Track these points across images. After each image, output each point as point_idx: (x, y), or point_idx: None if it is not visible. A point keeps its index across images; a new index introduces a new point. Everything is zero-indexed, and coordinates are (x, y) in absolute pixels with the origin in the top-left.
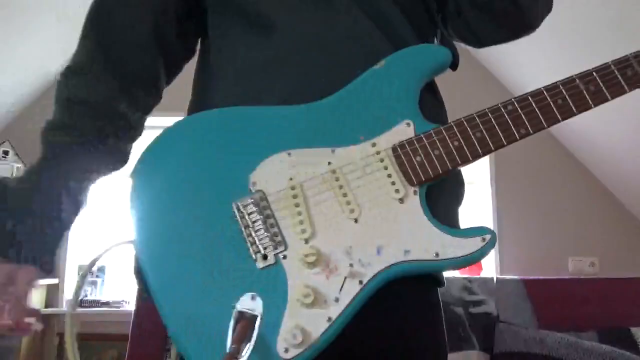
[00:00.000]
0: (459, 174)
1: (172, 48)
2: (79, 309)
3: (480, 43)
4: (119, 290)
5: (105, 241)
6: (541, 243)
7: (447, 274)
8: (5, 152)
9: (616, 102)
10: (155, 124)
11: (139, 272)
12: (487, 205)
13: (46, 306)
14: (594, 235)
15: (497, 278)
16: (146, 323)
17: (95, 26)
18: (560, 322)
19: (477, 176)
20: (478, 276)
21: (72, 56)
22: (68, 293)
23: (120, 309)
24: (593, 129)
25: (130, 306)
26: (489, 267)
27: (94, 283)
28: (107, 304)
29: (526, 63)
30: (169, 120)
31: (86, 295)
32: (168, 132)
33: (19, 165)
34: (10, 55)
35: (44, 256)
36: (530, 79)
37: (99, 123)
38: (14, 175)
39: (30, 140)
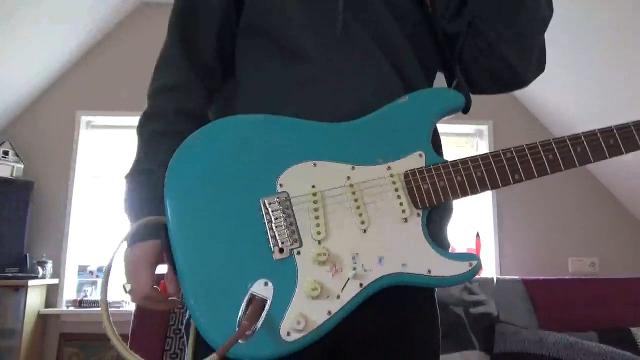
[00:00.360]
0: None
1: (229, 60)
2: (79, 309)
3: (473, 91)
4: (119, 290)
5: (104, 242)
6: (541, 243)
7: None
8: (5, 152)
9: (616, 103)
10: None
11: (169, 250)
12: (487, 205)
13: (46, 306)
14: (594, 235)
15: (497, 278)
16: (146, 323)
17: (180, 47)
18: (560, 322)
19: None
20: (478, 276)
21: (164, 75)
22: (68, 293)
23: (120, 309)
24: (593, 128)
25: (131, 306)
26: (489, 267)
27: (94, 283)
28: None
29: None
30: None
31: (86, 296)
32: (211, 126)
33: (20, 166)
34: (10, 55)
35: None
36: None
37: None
38: (13, 175)
39: (30, 140)
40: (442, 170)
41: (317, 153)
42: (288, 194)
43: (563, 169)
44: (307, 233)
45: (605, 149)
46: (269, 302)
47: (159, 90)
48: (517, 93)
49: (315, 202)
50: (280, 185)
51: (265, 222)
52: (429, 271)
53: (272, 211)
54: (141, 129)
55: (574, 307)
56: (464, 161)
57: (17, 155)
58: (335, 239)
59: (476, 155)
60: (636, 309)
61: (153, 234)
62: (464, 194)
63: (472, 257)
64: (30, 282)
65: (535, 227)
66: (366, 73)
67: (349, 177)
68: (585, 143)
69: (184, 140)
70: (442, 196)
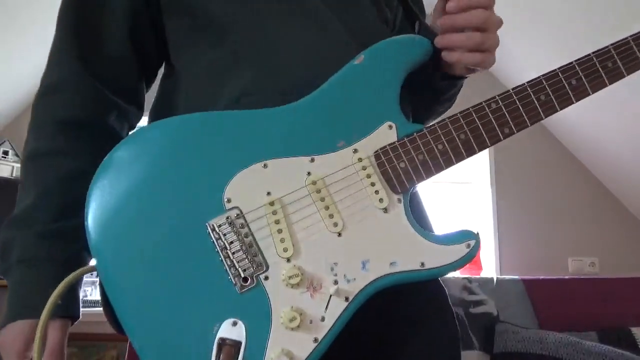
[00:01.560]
0: None
1: (148, 54)
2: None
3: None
4: None
5: None
6: (541, 243)
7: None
8: (5, 152)
9: (617, 102)
10: None
11: (107, 301)
12: (487, 205)
13: None
14: (594, 235)
15: (497, 278)
16: None
17: (71, 40)
18: (560, 322)
19: (477, 176)
20: (478, 276)
21: (47, 76)
22: None
23: None
24: (593, 129)
25: None
26: (489, 267)
27: (93, 283)
28: None
29: (519, 56)
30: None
31: (86, 296)
32: (134, 137)
33: (19, 165)
34: (10, 55)
35: (71, 300)
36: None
37: (94, 144)
38: (13, 175)
39: None
40: (419, 141)
41: (265, 150)
42: (240, 210)
43: (559, 108)
44: (272, 252)
45: (604, 76)
46: (243, 344)
47: (40, 95)
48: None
49: (274, 212)
50: (228, 200)
51: (218, 250)
52: (423, 264)
53: (224, 235)
54: (23, 155)
55: (574, 307)
56: (442, 125)
57: (17, 155)
58: (306, 252)
59: (456, 114)
60: (636, 309)
61: (24, 311)
62: (449, 164)
63: (468, 236)
64: None
65: (535, 227)
66: (314, 39)
67: (309, 173)
68: (580, 73)
69: (69, 163)
70: (423, 173)
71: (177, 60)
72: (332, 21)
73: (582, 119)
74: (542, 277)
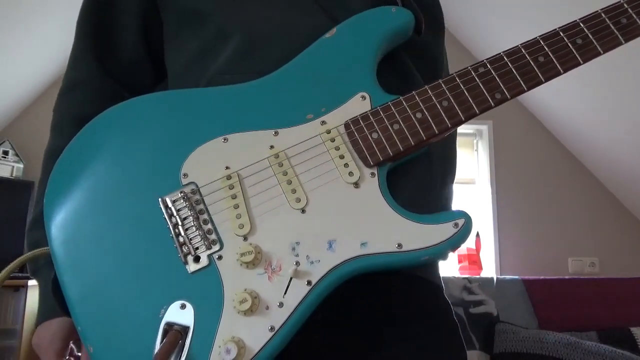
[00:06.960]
0: (447, 146)
1: (158, 51)
2: None
3: None
4: None
5: None
6: (541, 243)
7: (445, 273)
8: (5, 152)
9: (616, 102)
10: None
11: (56, 283)
12: (487, 205)
13: None
14: (594, 235)
15: (497, 278)
16: None
17: (89, 43)
18: (560, 322)
19: (477, 176)
20: (478, 276)
21: (67, 75)
22: None
23: None
24: (593, 129)
25: None
26: (489, 267)
27: None
28: None
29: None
30: None
31: None
32: (97, 119)
33: (20, 165)
34: (10, 55)
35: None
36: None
37: None
38: (13, 175)
39: (30, 140)
40: (393, 110)
41: (227, 125)
42: (196, 185)
43: (562, 71)
44: (227, 229)
45: (617, 32)
46: (191, 329)
47: (60, 94)
48: None
49: (231, 187)
50: (185, 175)
51: (170, 227)
52: (400, 245)
53: (178, 210)
54: (44, 153)
55: (574, 307)
56: (422, 92)
57: (17, 155)
58: (265, 229)
59: (438, 81)
60: (636, 309)
61: (58, 308)
62: (430, 134)
63: (458, 215)
64: (30, 282)
65: (535, 227)
66: (293, 19)
67: (272, 146)
68: (586, 31)
69: None
70: (399, 143)
71: (167, 58)
72: (312, 2)
73: (582, 120)
74: (542, 277)
